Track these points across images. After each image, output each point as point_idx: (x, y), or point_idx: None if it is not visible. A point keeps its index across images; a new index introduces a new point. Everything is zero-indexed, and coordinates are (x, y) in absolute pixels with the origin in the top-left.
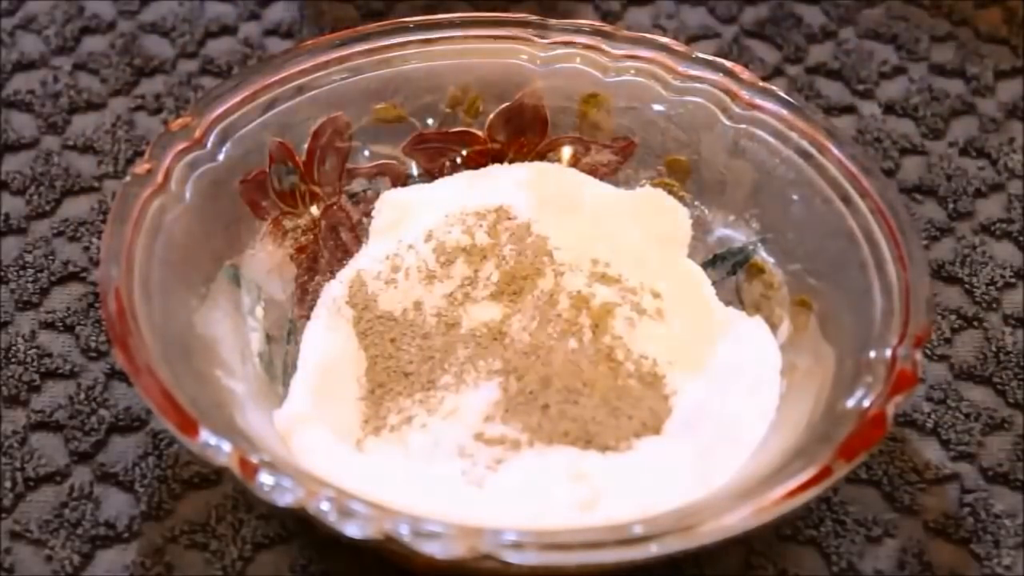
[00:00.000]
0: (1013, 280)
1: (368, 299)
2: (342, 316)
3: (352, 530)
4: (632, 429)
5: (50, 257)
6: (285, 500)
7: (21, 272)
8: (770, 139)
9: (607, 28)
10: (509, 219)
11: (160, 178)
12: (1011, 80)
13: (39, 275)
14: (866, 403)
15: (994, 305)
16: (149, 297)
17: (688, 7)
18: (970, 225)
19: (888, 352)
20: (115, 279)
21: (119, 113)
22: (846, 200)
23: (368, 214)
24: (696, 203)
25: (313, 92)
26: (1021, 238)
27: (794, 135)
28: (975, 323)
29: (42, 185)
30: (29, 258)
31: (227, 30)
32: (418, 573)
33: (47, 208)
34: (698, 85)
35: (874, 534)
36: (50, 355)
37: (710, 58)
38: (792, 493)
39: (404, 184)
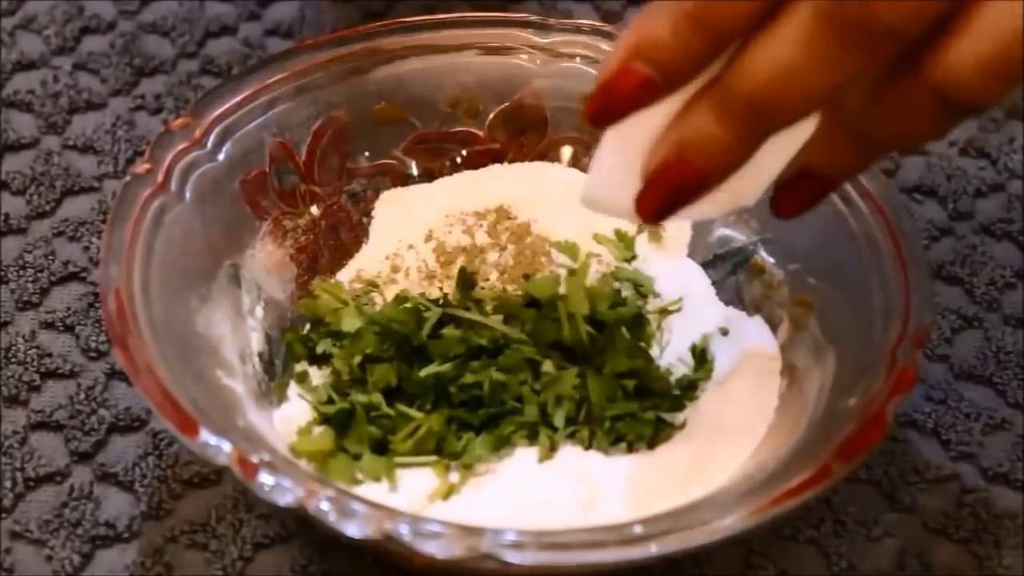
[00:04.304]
0: (1013, 280)
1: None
2: None
3: (352, 530)
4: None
5: (50, 257)
6: (285, 500)
7: (21, 272)
8: None
9: (607, 28)
10: (509, 219)
11: (160, 178)
12: None
13: (39, 275)
14: (866, 403)
15: (994, 305)
16: (149, 297)
17: None
18: (970, 225)
19: (888, 352)
20: (115, 279)
21: (119, 113)
22: (846, 200)
23: (368, 214)
24: None
25: (313, 92)
26: (1021, 238)
27: None
28: (975, 323)
29: (42, 185)
30: (29, 258)
31: (227, 30)
32: (418, 573)
33: (47, 208)
34: None
35: (874, 534)
36: (50, 355)
37: None
38: (792, 493)
39: (404, 184)
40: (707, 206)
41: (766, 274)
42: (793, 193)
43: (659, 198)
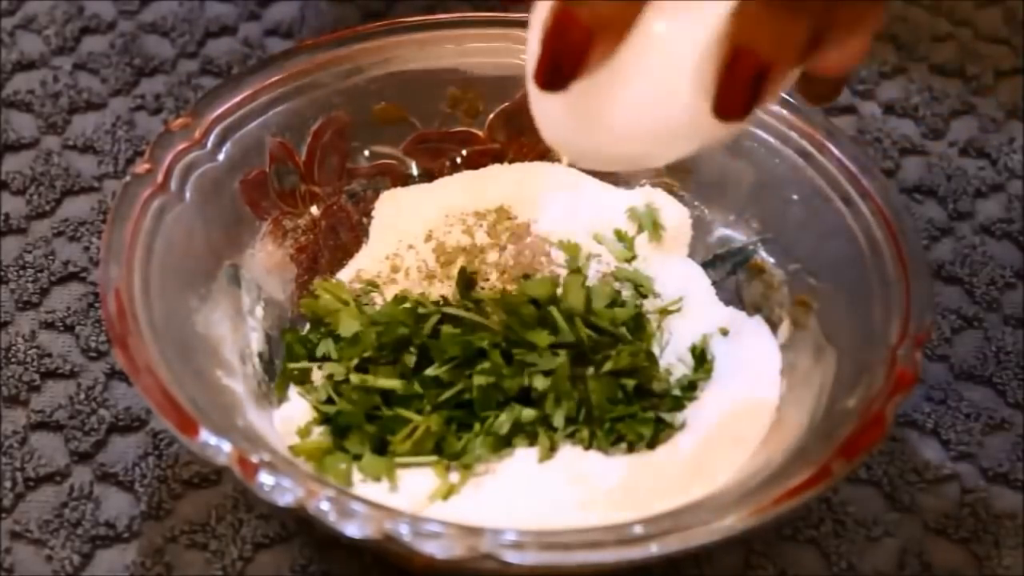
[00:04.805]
0: (1013, 280)
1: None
2: None
3: (352, 530)
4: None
5: (50, 257)
6: (285, 500)
7: (21, 272)
8: (770, 139)
9: None
10: (509, 219)
11: (160, 178)
12: (1011, 80)
13: (39, 275)
14: (866, 403)
15: (994, 305)
16: (149, 297)
17: None
18: (970, 225)
19: (888, 352)
20: (115, 279)
21: (119, 113)
22: (846, 200)
23: (368, 214)
24: (696, 203)
25: (313, 92)
26: (1021, 238)
27: (794, 135)
28: (975, 323)
29: (42, 185)
30: (29, 258)
31: (227, 30)
32: (418, 573)
33: (47, 208)
34: None
35: (874, 534)
36: (50, 355)
37: None
38: (792, 493)
39: (404, 184)
40: (666, 146)
41: (766, 274)
42: (731, 83)
43: (549, 60)
